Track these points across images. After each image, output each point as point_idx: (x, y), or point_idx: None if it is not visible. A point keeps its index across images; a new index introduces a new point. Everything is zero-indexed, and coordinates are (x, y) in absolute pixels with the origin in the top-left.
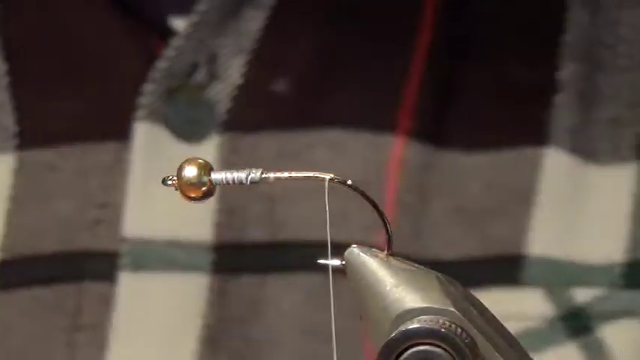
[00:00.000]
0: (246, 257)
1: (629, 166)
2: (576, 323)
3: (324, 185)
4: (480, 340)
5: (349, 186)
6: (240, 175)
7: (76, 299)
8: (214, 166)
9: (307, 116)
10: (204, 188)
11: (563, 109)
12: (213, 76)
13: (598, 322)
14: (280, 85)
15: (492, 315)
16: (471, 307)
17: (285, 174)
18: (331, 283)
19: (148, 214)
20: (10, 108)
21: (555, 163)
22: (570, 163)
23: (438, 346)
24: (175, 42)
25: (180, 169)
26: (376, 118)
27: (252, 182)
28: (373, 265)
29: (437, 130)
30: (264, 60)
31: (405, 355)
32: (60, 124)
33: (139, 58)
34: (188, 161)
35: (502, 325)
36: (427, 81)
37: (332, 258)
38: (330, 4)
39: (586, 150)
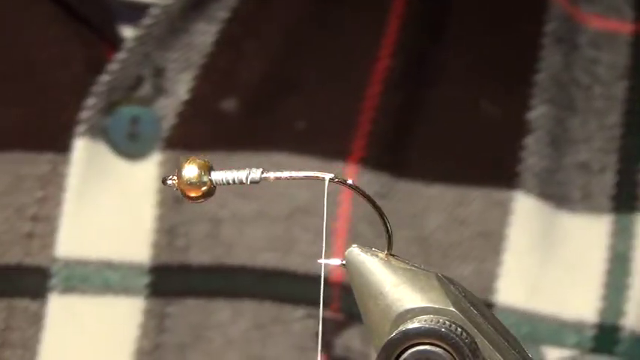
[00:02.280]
0: (189, 281)
1: (604, 218)
2: None
3: (273, 209)
4: (479, 339)
5: (349, 186)
6: (240, 174)
7: (5, 315)
8: (152, 186)
9: (254, 138)
10: (204, 188)
11: (533, 152)
12: (159, 91)
13: None
14: (228, 104)
15: (492, 315)
16: (471, 307)
17: (285, 173)
18: (322, 282)
19: (82, 234)
20: None
21: (525, 208)
22: (540, 209)
23: (438, 346)
24: (120, 55)
25: (180, 168)
26: (328, 144)
27: (252, 182)
28: (373, 265)
29: (394, 158)
30: (213, 76)
31: (406, 354)
32: None
33: (86, 66)
34: (188, 161)
35: (502, 325)
36: (384, 108)
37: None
38: (288, 24)
39: (556, 196)
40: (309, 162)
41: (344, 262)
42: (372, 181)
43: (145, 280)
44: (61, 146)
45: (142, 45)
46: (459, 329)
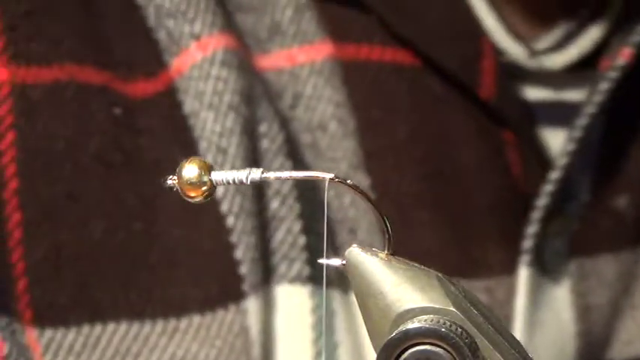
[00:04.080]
0: None
1: None
2: None
3: None
4: (480, 339)
5: (349, 185)
6: (240, 174)
7: None
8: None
9: None
10: (204, 188)
11: None
12: (568, 197)
13: None
14: (621, 201)
15: (493, 315)
16: (471, 307)
17: (285, 173)
18: (325, 282)
19: None
20: None
21: None
22: None
23: (439, 346)
24: (553, 176)
25: (180, 168)
26: None
27: (253, 182)
28: (373, 265)
29: None
30: (607, 175)
31: (406, 354)
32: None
33: (505, 182)
34: (188, 160)
35: (502, 325)
36: None
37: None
38: None
39: None
40: None
41: (344, 262)
42: None
43: None
44: (496, 271)
45: (571, 162)
46: (459, 329)
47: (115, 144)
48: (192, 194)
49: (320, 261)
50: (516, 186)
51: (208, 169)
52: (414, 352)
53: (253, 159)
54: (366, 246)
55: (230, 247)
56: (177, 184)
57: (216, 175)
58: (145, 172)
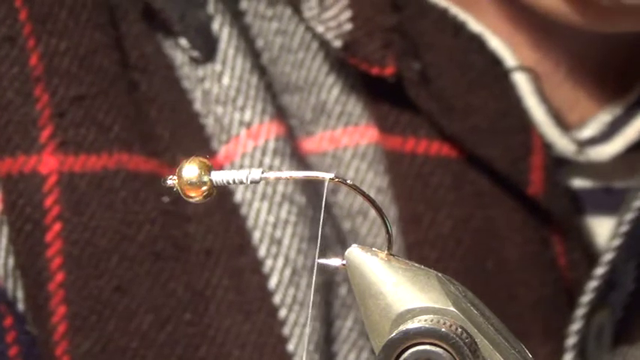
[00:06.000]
0: None
1: None
2: None
3: None
4: (480, 339)
5: (349, 185)
6: (240, 174)
7: None
8: None
9: None
10: (204, 188)
11: None
12: (611, 286)
13: None
14: None
15: (493, 315)
16: (471, 307)
17: (286, 173)
18: (314, 284)
19: None
20: None
21: None
22: None
23: (439, 346)
24: (599, 271)
25: (180, 168)
26: None
27: (252, 182)
28: (373, 265)
29: None
30: None
31: (406, 354)
32: None
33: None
34: (189, 160)
35: (502, 325)
36: None
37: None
38: None
39: None
40: None
41: (344, 262)
42: None
43: None
44: None
45: (619, 254)
46: (460, 329)
47: (164, 233)
48: (192, 194)
49: (320, 261)
50: (561, 278)
51: (208, 168)
52: (414, 352)
53: (307, 249)
54: (367, 246)
55: (282, 340)
56: (177, 184)
57: (216, 175)
58: (194, 262)
